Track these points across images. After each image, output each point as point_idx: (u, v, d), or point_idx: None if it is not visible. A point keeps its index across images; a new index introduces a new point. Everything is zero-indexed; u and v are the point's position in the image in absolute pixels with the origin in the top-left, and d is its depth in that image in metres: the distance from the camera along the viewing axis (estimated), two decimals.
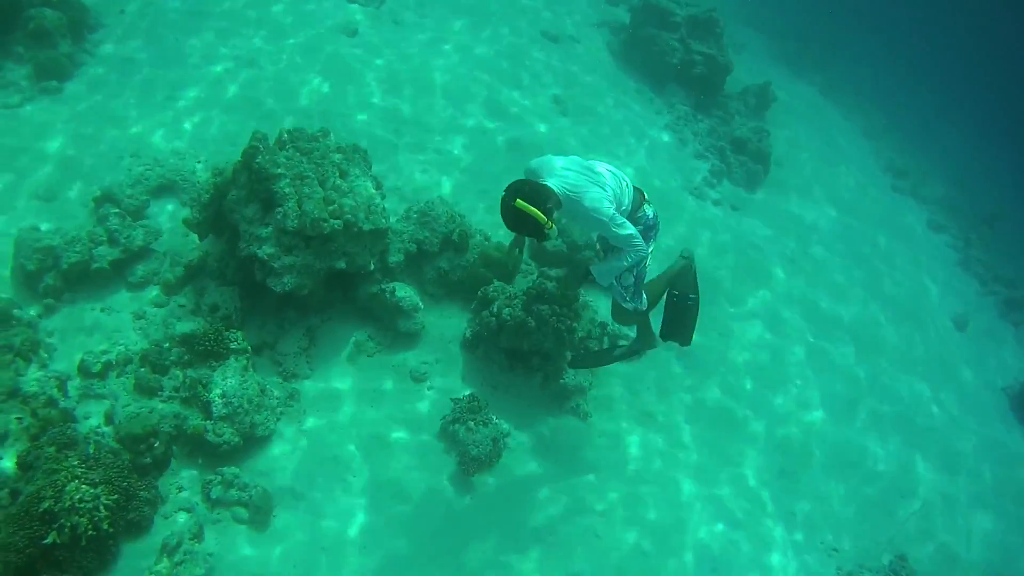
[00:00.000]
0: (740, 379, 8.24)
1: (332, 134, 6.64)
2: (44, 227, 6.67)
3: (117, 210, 6.81)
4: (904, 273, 11.99)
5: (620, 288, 5.62)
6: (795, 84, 16.58)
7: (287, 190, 5.86)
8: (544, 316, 6.45)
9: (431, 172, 8.66)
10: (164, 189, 7.30)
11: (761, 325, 9.11)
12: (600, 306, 7.68)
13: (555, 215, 4.63)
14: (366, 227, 5.99)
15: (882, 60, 20.63)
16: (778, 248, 10.67)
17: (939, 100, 20.07)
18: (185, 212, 7.07)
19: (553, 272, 7.39)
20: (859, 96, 17.56)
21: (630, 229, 4.91)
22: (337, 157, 6.32)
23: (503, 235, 7.76)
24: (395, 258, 6.68)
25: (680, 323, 6.18)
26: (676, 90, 12.57)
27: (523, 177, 4.85)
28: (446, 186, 8.53)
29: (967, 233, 14.45)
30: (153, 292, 6.60)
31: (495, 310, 6.57)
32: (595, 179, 4.89)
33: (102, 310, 6.44)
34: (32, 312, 6.22)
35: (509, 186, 4.61)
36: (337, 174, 6.14)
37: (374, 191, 6.23)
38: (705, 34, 12.92)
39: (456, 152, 9.12)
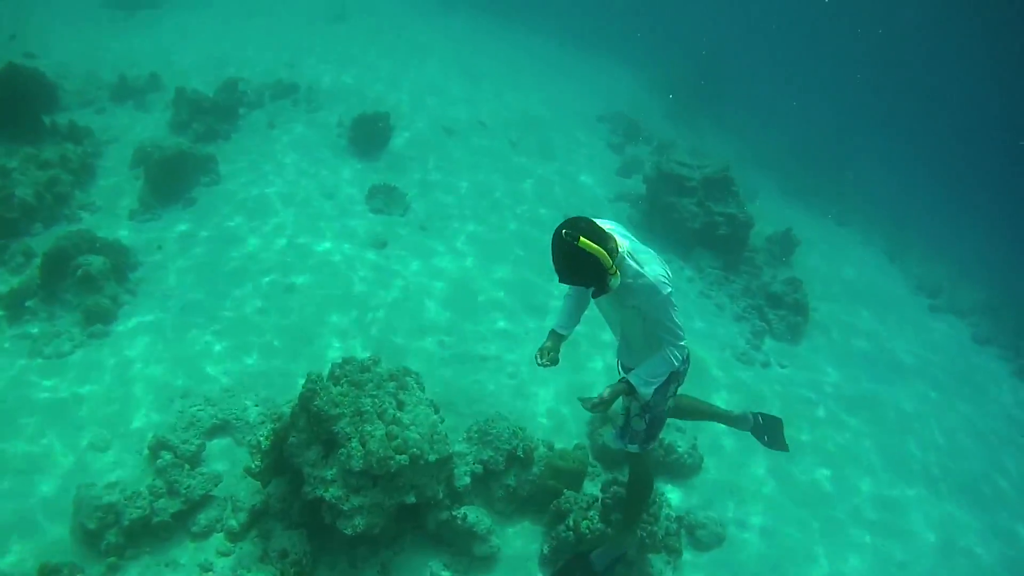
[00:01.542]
0: None
1: (383, 359, 6.76)
2: (101, 480, 6.68)
3: (173, 457, 6.84)
4: (965, 398, 11.97)
5: (630, 430, 5.24)
6: (812, 219, 17.07)
7: (348, 429, 5.90)
8: None
9: (485, 384, 8.74)
10: (217, 430, 7.38)
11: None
12: (672, 497, 7.55)
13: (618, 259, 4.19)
14: (432, 458, 5.99)
15: (889, 176, 21.40)
16: (835, 394, 10.66)
17: (951, 204, 20.76)
18: (241, 451, 7.12)
19: (623, 478, 7.30)
20: (875, 219, 18.09)
21: (677, 320, 4.51)
22: (391, 386, 6.41)
23: (564, 441, 7.76)
24: (462, 482, 6.64)
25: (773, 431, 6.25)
26: (703, 253, 12.86)
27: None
28: (505, 398, 8.57)
29: (1015, 342, 14.48)
30: (217, 540, 6.54)
31: (571, 523, 6.47)
32: (656, 255, 4.53)
33: (166, 565, 6.36)
34: (95, 574, 6.13)
35: (566, 221, 4.09)
36: (394, 404, 6.21)
37: (435, 417, 6.28)
38: (722, 194, 13.35)
39: (507, 358, 9.23)
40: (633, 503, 6.00)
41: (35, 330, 8.46)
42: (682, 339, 4.57)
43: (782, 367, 11.04)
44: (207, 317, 9.01)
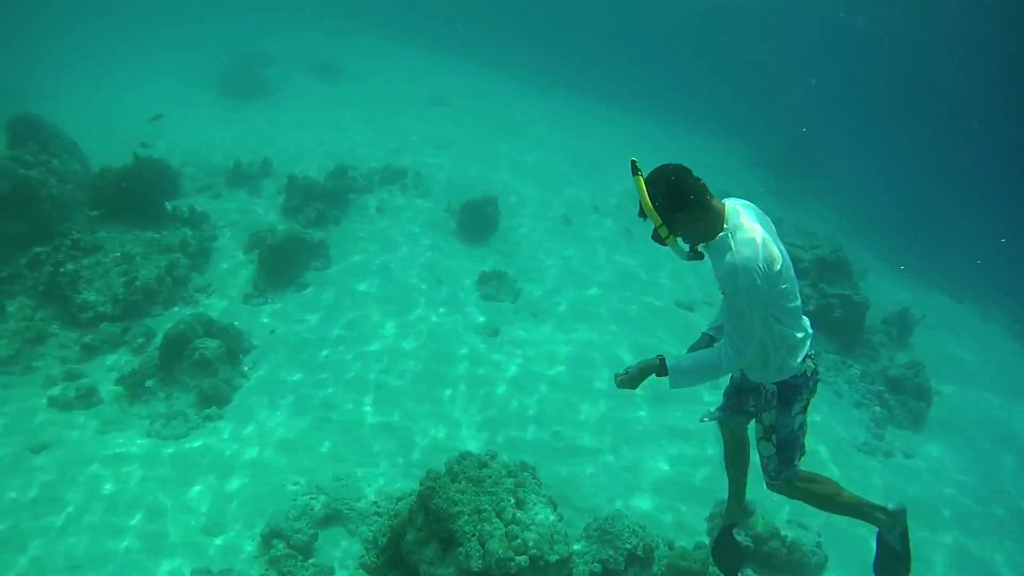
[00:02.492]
0: None
1: (499, 452, 6.65)
2: (215, 567, 6.70)
3: (286, 547, 6.83)
4: None
5: (762, 459, 4.64)
6: (925, 294, 16.42)
7: (467, 528, 5.80)
8: None
9: (599, 476, 8.54)
10: (330, 519, 7.37)
11: None
12: None
13: (681, 224, 3.85)
14: (552, 558, 5.81)
15: (1000, 251, 20.46)
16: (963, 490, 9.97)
17: None
18: (353, 542, 7.06)
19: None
20: (990, 293, 17.31)
21: (755, 329, 3.93)
22: (510, 482, 6.30)
23: (684, 539, 7.44)
24: None
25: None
26: (818, 337, 12.37)
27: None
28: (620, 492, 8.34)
29: None
30: None
31: None
32: (777, 243, 4.01)
33: None
34: None
35: (666, 164, 3.88)
36: (513, 503, 6.09)
37: (553, 517, 6.13)
38: (836, 275, 12.98)
39: (625, 452, 9.02)
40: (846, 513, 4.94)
41: (153, 410, 8.72)
42: (747, 345, 3.96)
43: (907, 457, 10.42)
44: (317, 403, 9.12)
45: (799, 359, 4.24)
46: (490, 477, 6.26)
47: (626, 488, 8.40)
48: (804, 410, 4.50)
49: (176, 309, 10.66)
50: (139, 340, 9.91)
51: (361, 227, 13.54)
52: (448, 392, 9.55)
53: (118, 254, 10.80)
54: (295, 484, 7.77)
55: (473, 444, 8.57)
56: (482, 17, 33.07)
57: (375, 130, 19.26)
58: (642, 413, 9.67)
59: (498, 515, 5.92)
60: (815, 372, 4.40)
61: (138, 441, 8.25)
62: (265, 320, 10.65)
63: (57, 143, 12.97)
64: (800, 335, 4.24)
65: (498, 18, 32.62)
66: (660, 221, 3.79)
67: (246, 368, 9.63)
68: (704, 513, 8.02)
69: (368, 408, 9.13)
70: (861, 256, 16.54)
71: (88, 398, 8.77)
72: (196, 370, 9.12)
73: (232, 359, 9.49)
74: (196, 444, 8.29)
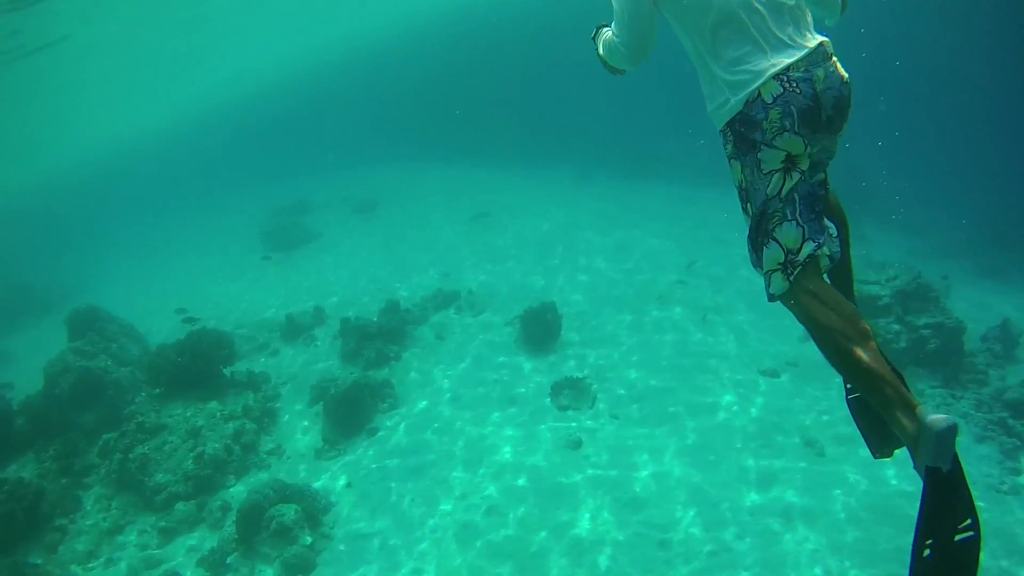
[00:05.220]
0: None
1: None
2: None
3: None
4: None
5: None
6: (1020, 299, 15.46)
7: None
8: None
9: None
10: None
11: None
12: None
13: None
14: None
15: None
16: None
17: None
18: None
19: None
20: None
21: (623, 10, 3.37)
22: None
23: None
24: None
25: None
26: (917, 374, 11.76)
27: None
28: None
29: None
30: None
31: None
32: None
33: None
34: None
35: None
36: None
37: None
38: (921, 304, 12.31)
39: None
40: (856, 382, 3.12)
41: None
42: (620, 30, 3.46)
43: None
44: (407, 554, 8.93)
45: (740, 77, 3.17)
46: None
47: None
48: (793, 166, 3.15)
49: (250, 476, 10.72)
50: (216, 515, 9.94)
51: (423, 358, 13.54)
52: (538, 522, 9.22)
53: (183, 430, 10.99)
54: None
55: None
56: (508, 119, 33.77)
57: (422, 256, 19.58)
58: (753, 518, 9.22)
59: None
60: (790, 95, 3.10)
61: None
62: (340, 474, 10.59)
63: (114, 328, 13.49)
64: (737, 51, 3.19)
65: (524, 117, 33.23)
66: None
67: (327, 528, 9.51)
68: None
69: (460, 548, 8.90)
70: (941, 270, 15.79)
71: None
72: (276, 540, 9.05)
73: (311, 521, 9.41)
74: None
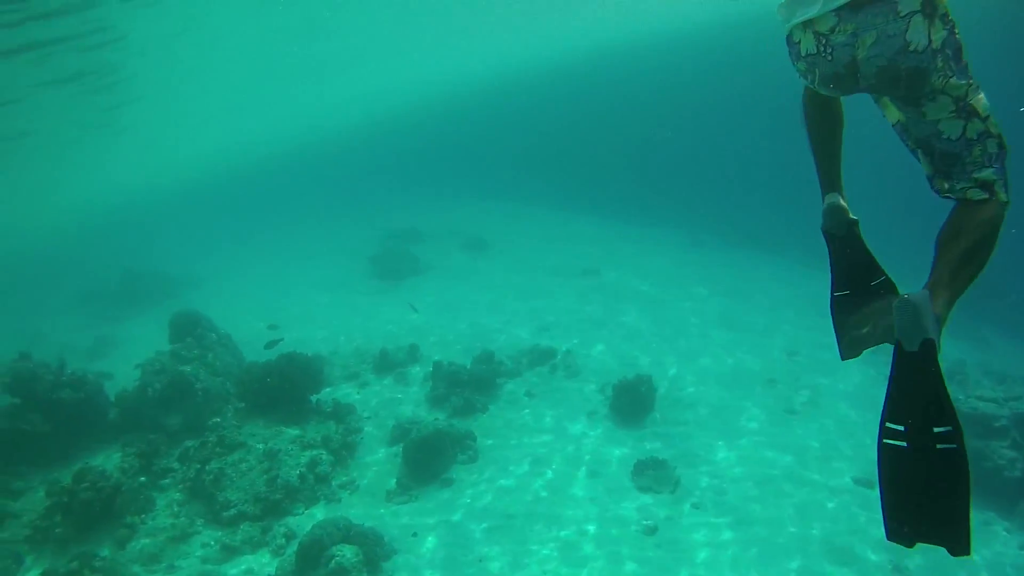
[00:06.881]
0: None
1: None
2: None
3: None
4: None
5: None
6: None
7: None
8: None
9: None
10: None
11: None
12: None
13: None
14: None
15: None
16: None
17: None
18: None
19: None
20: None
21: None
22: None
23: None
24: None
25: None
26: None
27: None
28: None
29: None
30: None
31: None
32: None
33: None
34: None
35: None
36: None
37: None
38: None
39: None
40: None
41: None
42: None
43: None
44: None
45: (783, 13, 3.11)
46: None
47: None
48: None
49: (318, 507, 10.76)
50: (279, 540, 9.99)
51: (509, 415, 13.42)
52: None
53: (261, 450, 11.15)
54: None
55: None
56: (627, 174, 33.72)
57: (523, 305, 19.58)
58: None
59: None
60: (819, 59, 3.03)
61: None
62: (407, 521, 10.49)
63: (212, 337, 13.87)
64: None
65: (644, 175, 33.13)
66: None
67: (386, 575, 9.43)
68: None
69: None
70: None
71: None
72: None
73: (371, 567, 9.32)
74: None
